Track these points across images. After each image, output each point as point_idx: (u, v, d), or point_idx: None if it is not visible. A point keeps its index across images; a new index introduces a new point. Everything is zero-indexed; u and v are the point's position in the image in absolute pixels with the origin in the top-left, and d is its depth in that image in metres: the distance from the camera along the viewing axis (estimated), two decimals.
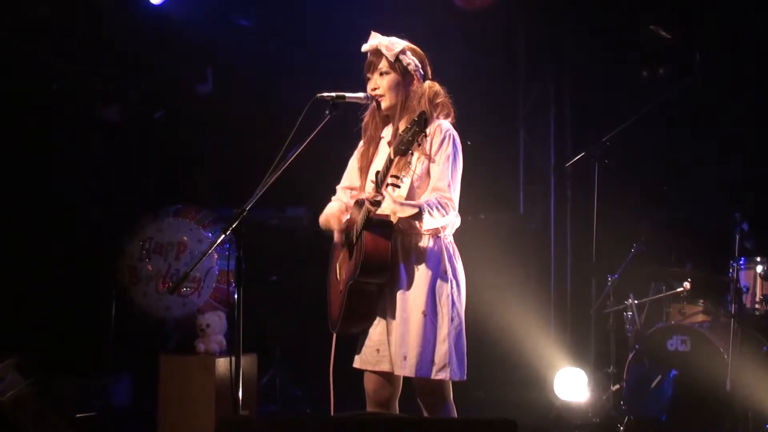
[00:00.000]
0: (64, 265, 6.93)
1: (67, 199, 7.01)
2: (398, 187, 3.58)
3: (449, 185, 3.77)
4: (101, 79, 7.33)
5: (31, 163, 6.88)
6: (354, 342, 3.93)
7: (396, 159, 3.48)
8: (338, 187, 4.12)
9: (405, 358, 3.70)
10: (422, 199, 3.74)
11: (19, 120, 6.80)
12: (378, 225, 3.68)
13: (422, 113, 3.44)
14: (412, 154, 3.49)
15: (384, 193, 3.56)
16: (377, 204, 3.56)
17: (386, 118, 3.97)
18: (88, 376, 6.59)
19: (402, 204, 3.64)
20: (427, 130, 3.49)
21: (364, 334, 3.86)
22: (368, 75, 3.90)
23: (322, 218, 4.00)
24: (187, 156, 7.86)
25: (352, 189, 4.06)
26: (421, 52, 3.95)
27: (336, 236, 3.97)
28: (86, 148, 7.21)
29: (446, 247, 3.83)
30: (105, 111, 7.64)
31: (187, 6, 7.17)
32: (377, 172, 3.58)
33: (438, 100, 3.87)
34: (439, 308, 3.75)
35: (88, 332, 6.78)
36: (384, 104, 3.87)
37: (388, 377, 3.87)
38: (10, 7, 6.52)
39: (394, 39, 3.88)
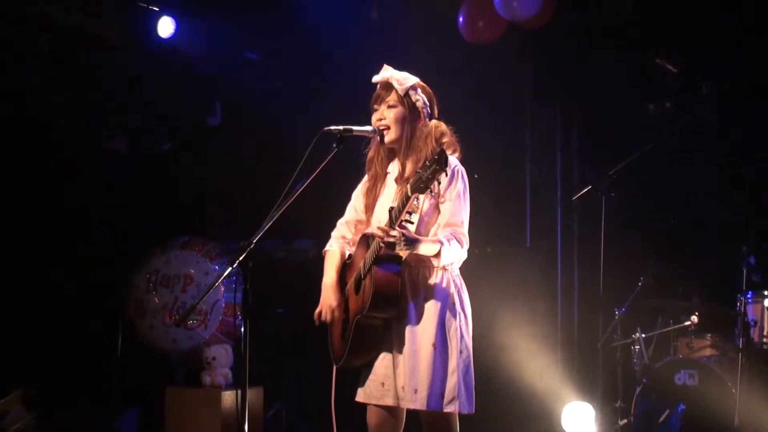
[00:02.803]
0: (71, 297, 6.93)
1: (75, 231, 7.02)
2: (412, 223, 3.59)
3: (462, 222, 3.79)
4: (110, 110, 7.37)
5: (39, 195, 6.91)
6: (357, 375, 3.91)
7: (413, 197, 3.47)
8: (340, 222, 4.10)
9: (416, 391, 3.68)
10: (439, 236, 3.73)
11: (26, 151, 6.83)
12: (388, 260, 3.68)
13: (442, 151, 3.42)
14: (431, 191, 3.49)
15: (401, 229, 3.55)
16: (392, 246, 3.56)
17: (390, 153, 3.97)
18: (94, 409, 6.58)
19: (424, 242, 3.65)
20: (447, 169, 3.46)
21: (368, 367, 3.83)
22: (375, 106, 3.90)
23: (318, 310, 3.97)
24: (195, 188, 7.88)
25: (357, 223, 4.05)
26: (431, 90, 3.96)
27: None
28: (94, 180, 7.24)
29: (454, 281, 3.83)
30: (113, 142, 7.68)
31: (196, 39, 7.23)
32: (391, 208, 3.58)
33: (444, 140, 3.86)
34: (448, 341, 3.74)
35: (94, 365, 6.76)
36: (388, 137, 3.86)
37: (392, 411, 3.83)
38: (19, 41, 6.57)
39: (405, 74, 3.89)
